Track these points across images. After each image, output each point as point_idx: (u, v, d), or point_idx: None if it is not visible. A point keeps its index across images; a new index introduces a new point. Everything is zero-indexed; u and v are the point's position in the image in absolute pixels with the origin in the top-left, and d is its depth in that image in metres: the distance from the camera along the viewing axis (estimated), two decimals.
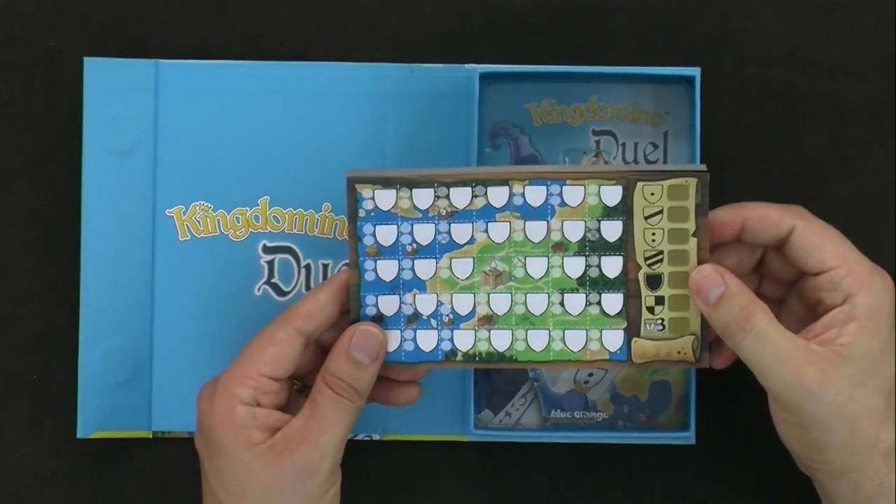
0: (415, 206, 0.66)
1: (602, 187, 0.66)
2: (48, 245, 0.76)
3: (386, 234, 0.67)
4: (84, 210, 0.75)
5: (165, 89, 0.75)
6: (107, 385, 0.75)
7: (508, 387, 0.76)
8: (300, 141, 0.75)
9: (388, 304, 0.67)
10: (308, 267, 0.75)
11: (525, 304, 0.67)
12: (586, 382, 0.76)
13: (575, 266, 0.67)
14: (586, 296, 0.67)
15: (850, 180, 0.77)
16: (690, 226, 0.66)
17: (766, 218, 0.66)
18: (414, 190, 0.66)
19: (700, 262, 0.66)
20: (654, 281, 0.66)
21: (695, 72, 0.74)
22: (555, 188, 0.66)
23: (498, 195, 0.66)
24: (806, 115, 0.77)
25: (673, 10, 0.77)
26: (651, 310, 0.67)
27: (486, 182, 0.66)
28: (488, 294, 0.67)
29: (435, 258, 0.67)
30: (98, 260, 0.75)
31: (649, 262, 0.66)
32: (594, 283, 0.67)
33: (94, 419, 0.75)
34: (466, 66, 0.75)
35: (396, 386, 0.69)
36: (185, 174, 0.75)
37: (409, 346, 0.67)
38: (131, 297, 0.75)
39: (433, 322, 0.67)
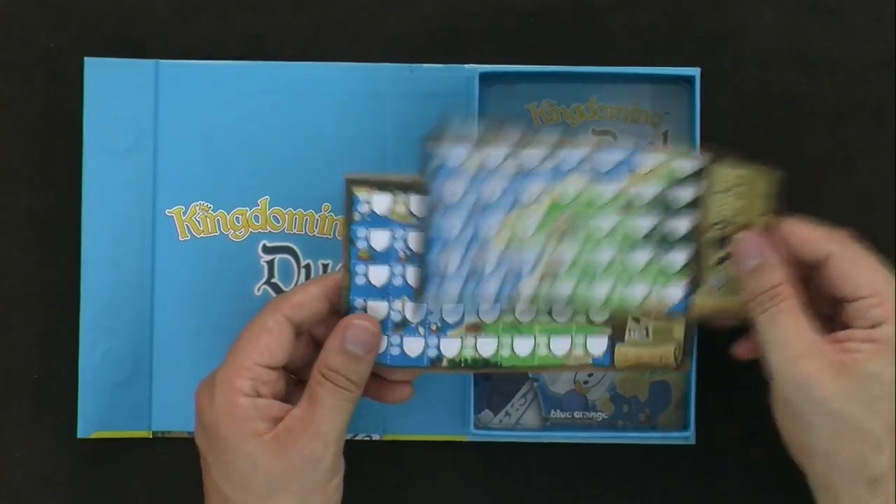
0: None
1: (680, 159, 0.67)
2: (48, 245, 0.76)
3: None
4: (84, 210, 0.75)
5: (165, 89, 0.75)
6: (107, 385, 0.75)
7: (508, 387, 0.76)
8: (300, 141, 0.75)
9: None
10: (308, 267, 0.75)
11: (592, 256, 0.67)
12: (586, 382, 0.76)
13: (644, 223, 0.67)
14: (653, 252, 0.67)
15: (850, 180, 0.77)
16: (760, 206, 0.67)
17: (805, 240, 0.67)
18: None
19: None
20: (722, 241, 0.67)
21: (695, 72, 0.74)
22: (631, 156, 0.67)
23: (570, 157, 0.66)
24: (806, 115, 0.77)
25: (673, 10, 0.77)
26: (716, 266, 0.67)
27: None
28: (556, 245, 0.67)
29: (504, 210, 0.66)
30: (98, 260, 0.75)
31: (719, 226, 0.67)
32: (662, 241, 0.67)
33: (94, 419, 0.75)
34: (466, 66, 0.75)
35: (389, 384, 0.69)
36: (185, 174, 0.75)
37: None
38: (131, 297, 0.75)
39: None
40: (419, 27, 0.77)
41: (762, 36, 0.77)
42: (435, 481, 0.77)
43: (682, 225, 0.67)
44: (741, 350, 0.70)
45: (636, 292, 0.67)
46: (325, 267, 0.76)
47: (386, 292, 0.67)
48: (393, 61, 0.76)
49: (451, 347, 0.67)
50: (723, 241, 0.67)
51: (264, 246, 0.75)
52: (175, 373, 0.75)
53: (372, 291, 0.67)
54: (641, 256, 0.67)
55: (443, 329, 0.67)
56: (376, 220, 0.66)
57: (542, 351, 0.67)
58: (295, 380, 0.69)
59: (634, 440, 0.76)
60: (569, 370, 0.70)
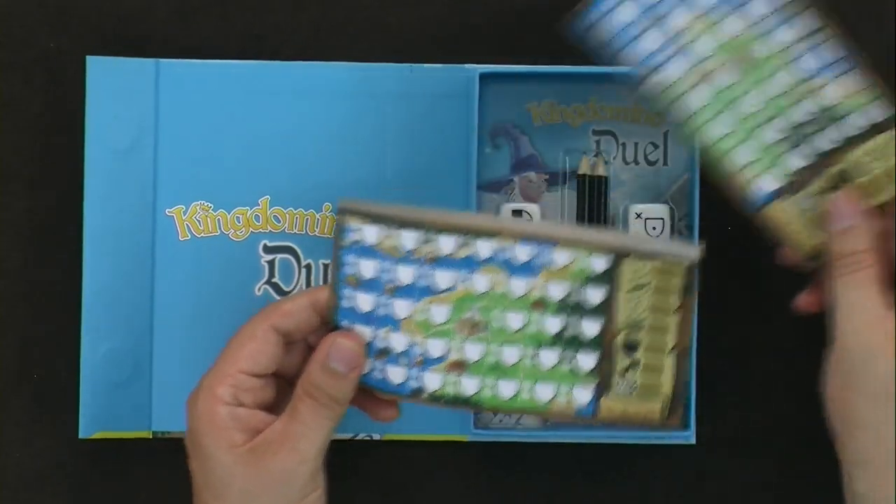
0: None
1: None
2: (48, 245, 0.76)
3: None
4: (86, 209, 0.75)
5: (165, 89, 0.75)
6: (108, 385, 0.75)
7: None
8: (300, 141, 0.75)
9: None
10: (308, 267, 0.75)
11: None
12: None
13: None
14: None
15: None
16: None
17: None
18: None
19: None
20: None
21: None
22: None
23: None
24: None
25: None
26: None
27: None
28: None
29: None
30: (99, 260, 0.75)
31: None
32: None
33: (95, 419, 0.75)
34: (466, 66, 0.75)
35: (375, 400, 0.68)
36: (185, 174, 0.75)
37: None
38: (131, 297, 0.75)
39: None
40: (419, 27, 0.77)
41: None
42: (435, 481, 0.77)
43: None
44: (804, 301, 0.70)
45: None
46: (325, 267, 0.76)
47: (371, 319, 0.66)
48: (393, 61, 0.76)
49: (433, 381, 0.66)
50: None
51: (265, 246, 0.75)
52: (175, 373, 0.75)
53: (358, 316, 0.66)
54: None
55: (426, 363, 0.66)
56: (365, 251, 0.66)
57: (525, 395, 0.66)
58: (289, 389, 0.69)
59: (634, 440, 0.76)
60: (551, 417, 0.68)
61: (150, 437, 0.75)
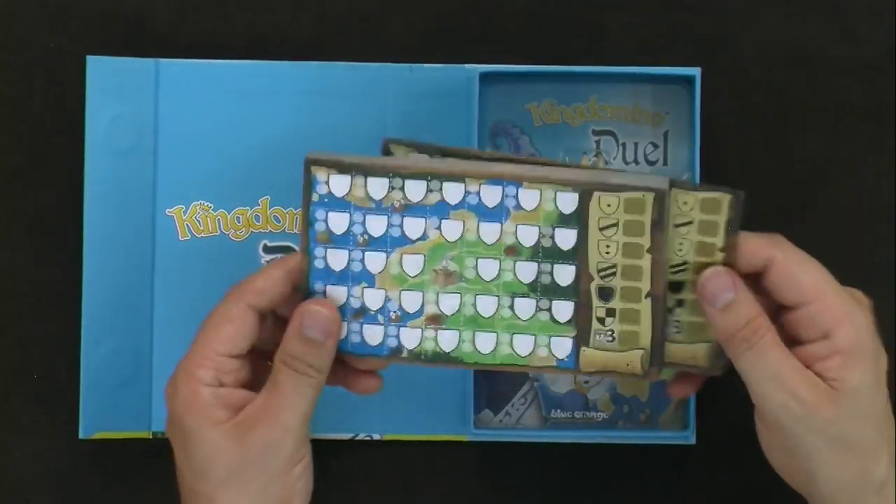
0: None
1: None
2: (49, 245, 0.76)
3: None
4: (86, 209, 0.75)
5: (165, 89, 0.75)
6: (108, 385, 0.75)
7: (508, 387, 0.76)
8: (300, 141, 0.75)
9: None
10: None
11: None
12: (586, 382, 0.76)
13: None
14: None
15: (850, 180, 0.77)
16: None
17: (745, 249, 0.65)
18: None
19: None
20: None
21: (695, 72, 0.74)
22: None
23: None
24: (806, 115, 0.77)
25: (673, 10, 0.77)
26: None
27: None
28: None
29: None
30: (99, 260, 0.75)
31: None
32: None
33: (95, 420, 0.75)
34: (466, 66, 0.75)
35: (355, 373, 0.68)
36: (185, 174, 0.75)
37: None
38: (131, 297, 0.75)
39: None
40: (419, 27, 0.77)
41: (762, 36, 0.77)
42: (435, 481, 0.77)
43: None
44: (675, 391, 0.69)
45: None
46: None
47: (345, 277, 0.66)
48: (393, 61, 0.76)
49: (411, 338, 0.66)
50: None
51: (265, 246, 0.75)
52: None
53: (331, 276, 0.66)
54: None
55: (402, 319, 0.66)
56: (334, 203, 0.65)
57: (505, 350, 0.66)
58: (265, 363, 0.68)
59: (634, 440, 0.76)
60: (532, 370, 0.68)
61: (150, 437, 0.75)
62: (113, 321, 0.75)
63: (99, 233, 0.75)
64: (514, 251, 0.65)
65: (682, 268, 0.65)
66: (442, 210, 0.65)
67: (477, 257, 0.65)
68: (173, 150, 0.75)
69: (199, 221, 0.75)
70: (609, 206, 0.64)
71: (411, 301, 0.66)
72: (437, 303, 0.66)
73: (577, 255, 0.65)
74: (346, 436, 0.76)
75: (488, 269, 0.65)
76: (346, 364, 0.67)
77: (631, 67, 0.75)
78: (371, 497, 0.77)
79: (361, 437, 0.76)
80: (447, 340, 0.66)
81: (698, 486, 0.77)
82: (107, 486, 0.77)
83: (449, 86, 0.75)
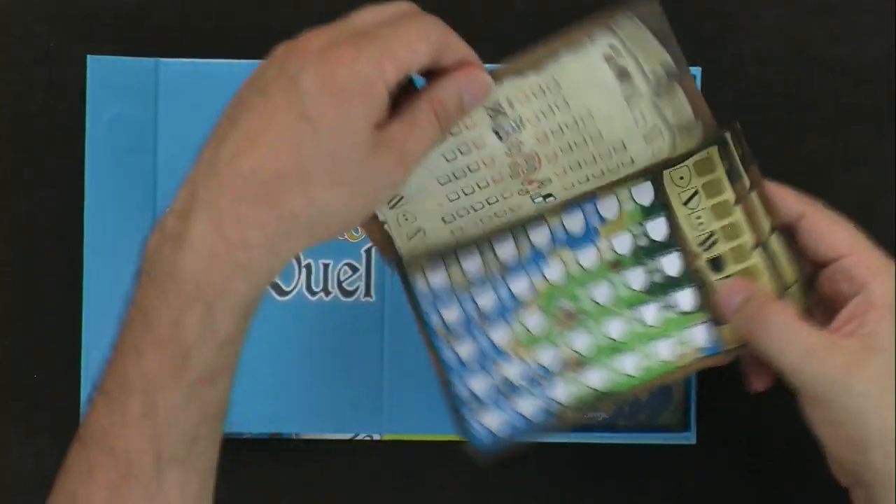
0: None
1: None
2: (49, 245, 0.76)
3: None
4: (87, 209, 0.75)
5: (165, 88, 0.75)
6: None
7: None
8: None
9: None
10: (308, 267, 0.75)
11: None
12: None
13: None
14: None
15: (850, 180, 0.77)
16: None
17: (781, 199, 0.65)
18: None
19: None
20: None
21: (695, 71, 0.74)
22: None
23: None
24: (806, 115, 0.77)
25: (673, 9, 0.77)
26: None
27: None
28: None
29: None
30: (99, 260, 0.75)
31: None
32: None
33: None
34: None
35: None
36: (185, 174, 0.75)
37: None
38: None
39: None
40: None
41: (762, 36, 0.77)
42: (435, 481, 0.77)
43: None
44: (757, 384, 0.69)
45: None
46: (325, 266, 0.75)
47: (481, 363, 0.65)
48: None
49: (561, 392, 0.65)
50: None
51: None
52: None
53: (467, 369, 0.65)
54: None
55: (547, 377, 0.65)
56: (441, 297, 0.65)
57: (651, 362, 0.65)
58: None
59: (634, 440, 0.76)
60: (687, 372, 0.66)
61: None
62: (113, 321, 0.75)
63: (99, 233, 0.75)
64: (617, 265, 0.65)
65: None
66: (537, 257, 0.65)
67: (587, 286, 0.65)
68: (173, 150, 0.75)
69: None
70: (682, 178, 0.64)
71: (547, 356, 0.65)
72: (570, 346, 0.65)
73: (674, 239, 0.65)
74: (346, 436, 0.76)
75: (602, 293, 0.65)
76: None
77: None
78: (371, 497, 0.77)
79: (361, 437, 0.76)
80: (597, 378, 0.66)
81: (698, 486, 0.77)
82: None
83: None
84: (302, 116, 0.58)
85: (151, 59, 0.75)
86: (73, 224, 0.75)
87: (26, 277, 0.76)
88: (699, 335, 0.65)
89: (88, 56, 0.75)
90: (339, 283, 0.75)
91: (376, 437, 0.76)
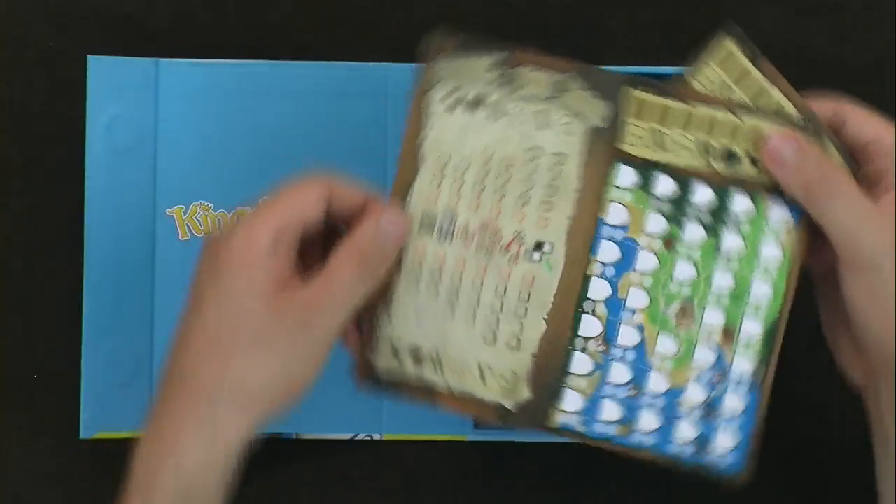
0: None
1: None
2: (49, 245, 0.76)
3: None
4: (86, 210, 0.75)
5: (165, 88, 0.75)
6: (109, 385, 0.75)
7: None
8: (300, 141, 0.75)
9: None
10: None
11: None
12: None
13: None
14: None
15: None
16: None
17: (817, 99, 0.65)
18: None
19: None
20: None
21: None
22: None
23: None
24: None
25: (672, 9, 0.77)
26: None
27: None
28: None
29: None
30: (99, 260, 0.75)
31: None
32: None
33: (96, 419, 0.75)
34: None
35: None
36: (185, 174, 0.75)
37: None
38: (131, 296, 0.75)
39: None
40: (419, 27, 0.77)
41: (762, 36, 0.77)
42: (435, 481, 0.77)
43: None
44: (819, 265, 0.67)
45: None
46: None
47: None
48: (393, 61, 0.76)
49: (745, 364, 0.64)
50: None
51: None
52: None
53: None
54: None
55: (722, 368, 0.64)
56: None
57: (771, 271, 0.64)
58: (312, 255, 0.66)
59: None
60: (798, 254, 0.64)
61: None
62: (113, 321, 0.75)
63: (99, 233, 0.75)
64: (670, 241, 0.64)
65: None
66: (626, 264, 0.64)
67: (672, 276, 0.64)
68: (173, 150, 0.75)
69: (199, 221, 0.75)
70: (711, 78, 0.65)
71: (701, 353, 0.64)
72: (710, 324, 0.64)
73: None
74: (346, 436, 0.76)
75: (685, 269, 0.64)
76: None
77: (630, 67, 0.75)
78: (371, 497, 0.77)
79: (361, 437, 0.76)
80: (754, 327, 0.64)
81: (698, 485, 0.77)
82: (107, 486, 0.77)
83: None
84: (199, 299, 0.62)
85: (151, 59, 0.75)
86: (73, 224, 0.75)
87: (26, 277, 0.77)
88: (778, 212, 0.64)
89: (88, 56, 0.75)
90: None
91: (376, 436, 0.76)
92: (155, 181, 0.75)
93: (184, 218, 0.75)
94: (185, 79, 0.75)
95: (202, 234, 0.75)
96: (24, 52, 0.77)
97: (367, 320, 0.64)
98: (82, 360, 0.75)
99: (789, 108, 0.65)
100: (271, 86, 0.75)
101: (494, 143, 0.63)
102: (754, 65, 0.65)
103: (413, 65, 0.76)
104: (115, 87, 0.75)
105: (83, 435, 0.75)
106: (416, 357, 0.64)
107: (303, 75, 0.75)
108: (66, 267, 0.76)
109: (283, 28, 0.77)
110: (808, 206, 0.64)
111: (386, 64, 0.76)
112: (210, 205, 0.75)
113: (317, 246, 0.64)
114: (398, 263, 0.63)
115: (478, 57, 0.63)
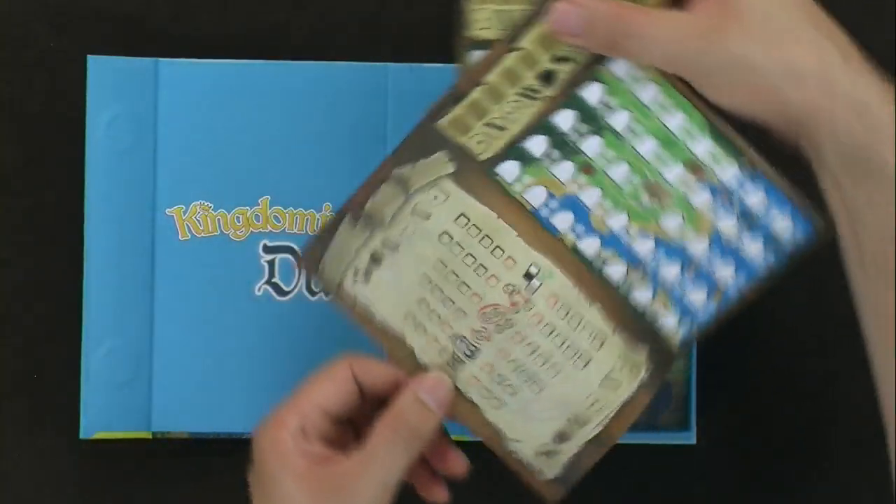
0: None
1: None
2: (49, 245, 0.76)
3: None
4: (86, 210, 0.75)
5: (165, 88, 0.75)
6: (109, 385, 0.75)
7: None
8: (300, 140, 0.75)
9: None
10: None
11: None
12: None
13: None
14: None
15: None
16: None
17: None
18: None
19: None
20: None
21: None
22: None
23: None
24: None
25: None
26: None
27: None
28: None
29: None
30: (99, 259, 0.75)
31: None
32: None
33: (95, 420, 0.75)
34: None
35: (428, 476, 0.68)
36: (185, 174, 0.75)
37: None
38: (131, 296, 0.75)
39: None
40: (419, 27, 0.77)
41: None
42: None
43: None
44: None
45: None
46: None
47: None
48: (393, 61, 0.76)
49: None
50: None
51: (265, 246, 0.75)
52: (175, 373, 0.75)
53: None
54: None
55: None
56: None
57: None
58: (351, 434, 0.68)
59: (634, 440, 0.76)
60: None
61: (150, 437, 0.75)
62: (113, 321, 0.75)
63: (99, 233, 0.75)
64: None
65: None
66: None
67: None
68: (173, 150, 0.75)
69: (199, 221, 0.75)
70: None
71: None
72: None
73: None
74: None
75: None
76: (425, 466, 0.67)
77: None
78: None
79: None
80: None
81: (698, 486, 0.77)
82: (107, 486, 0.77)
83: (449, 86, 0.75)
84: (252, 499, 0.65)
85: (151, 59, 0.75)
86: (73, 224, 0.75)
87: (26, 277, 0.76)
88: (619, 64, 0.64)
89: (88, 56, 0.75)
90: None
91: None
92: (155, 181, 0.75)
93: (184, 218, 0.75)
94: (185, 78, 0.75)
95: (202, 234, 0.75)
96: (24, 52, 0.77)
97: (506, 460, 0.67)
98: (82, 360, 0.75)
99: None
100: (271, 86, 0.75)
101: (418, 266, 0.65)
102: None
103: (413, 65, 0.76)
104: (115, 87, 0.75)
105: (83, 435, 0.75)
106: (562, 439, 0.66)
107: (303, 75, 0.75)
108: (66, 267, 0.76)
109: (283, 28, 0.77)
110: (626, 58, 0.62)
111: (386, 64, 0.76)
112: (210, 205, 0.75)
113: (368, 418, 0.65)
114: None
115: (347, 238, 0.65)
